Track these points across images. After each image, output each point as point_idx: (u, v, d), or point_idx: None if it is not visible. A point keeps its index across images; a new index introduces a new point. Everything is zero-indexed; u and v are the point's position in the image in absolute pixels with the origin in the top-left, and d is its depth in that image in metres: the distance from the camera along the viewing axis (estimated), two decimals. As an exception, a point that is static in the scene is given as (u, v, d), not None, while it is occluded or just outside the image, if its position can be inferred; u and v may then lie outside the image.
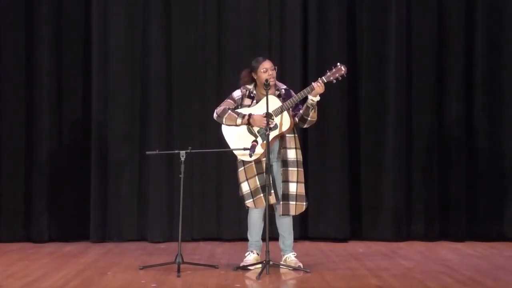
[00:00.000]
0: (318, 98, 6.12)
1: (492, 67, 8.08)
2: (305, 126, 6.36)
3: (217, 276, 5.95)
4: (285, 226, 6.33)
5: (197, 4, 8.10)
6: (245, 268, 6.19)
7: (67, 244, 7.74)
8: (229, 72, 7.95)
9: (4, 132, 7.98)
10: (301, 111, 6.23)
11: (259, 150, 6.17)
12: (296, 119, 6.27)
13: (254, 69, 6.28)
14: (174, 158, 7.59)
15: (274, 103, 6.16)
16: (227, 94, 6.51)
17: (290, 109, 6.22)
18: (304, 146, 7.69)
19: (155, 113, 7.99)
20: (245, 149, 6.14)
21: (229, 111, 6.24)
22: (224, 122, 6.28)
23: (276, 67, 6.31)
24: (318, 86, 6.08)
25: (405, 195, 8.00)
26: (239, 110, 6.28)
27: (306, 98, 6.19)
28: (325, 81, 6.15)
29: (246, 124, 6.20)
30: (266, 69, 6.22)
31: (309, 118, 6.21)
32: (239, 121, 6.21)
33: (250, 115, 6.18)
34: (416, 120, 8.10)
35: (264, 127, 6.11)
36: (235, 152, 6.29)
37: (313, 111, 6.16)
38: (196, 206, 8.01)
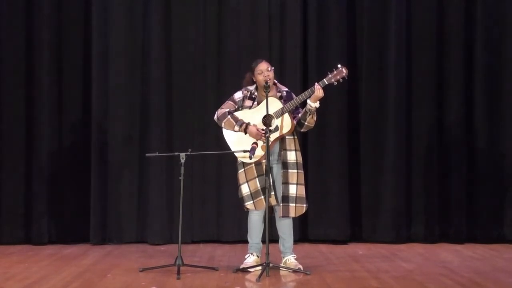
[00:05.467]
0: (317, 104, 6.11)
1: (492, 67, 8.08)
2: (302, 130, 6.36)
3: (217, 278, 5.95)
4: (285, 228, 6.33)
5: (197, 4, 8.10)
6: (245, 270, 6.19)
7: (67, 246, 7.74)
8: (229, 72, 7.95)
9: (4, 134, 7.97)
10: (299, 115, 6.22)
11: (259, 152, 6.17)
12: (295, 121, 6.26)
13: (252, 72, 6.28)
14: (174, 160, 7.58)
15: (275, 105, 6.16)
16: (227, 95, 6.52)
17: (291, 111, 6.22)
18: (304, 148, 7.68)
19: (155, 114, 7.99)
20: (245, 151, 6.13)
21: (229, 116, 6.24)
22: (223, 126, 6.29)
23: (273, 68, 6.29)
24: (318, 89, 6.07)
25: (405, 197, 8.00)
26: (240, 113, 6.28)
27: (306, 101, 6.21)
28: (326, 83, 6.16)
29: (243, 133, 6.20)
30: (261, 71, 6.21)
31: (306, 123, 6.22)
32: (236, 128, 6.22)
33: (247, 124, 6.18)
34: (416, 121, 8.10)
35: (259, 140, 6.11)
36: (235, 153, 6.28)
37: (310, 116, 6.16)
38: (196, 208, 8.01)
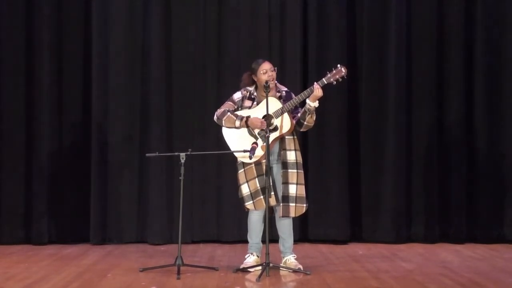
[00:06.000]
0: (316, 104, 6.11)
1: (492, 67, 8.08)
2: (301, 129, 6.35)
3: (217, 278, 5.95)
4: (285, 228, 6.33)
5: (197, 4, 8.10)
6: (245, 270, 6.20)
7: (67, 246, 7.73)
8: (229, 72, 7.94)
9: (4, 134, 7.97)
10: (299, 114, 6.22)
11: (259, 152, 6.17)
12: (294, 121, 6.26)
13: (254, 71, 6.27)
14: (174, 160, 7.58)
15: (275, 105, 6.16)
16: (227, 95, 6.51)
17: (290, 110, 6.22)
18: (304, 148, 7.68)
19: (155, 114, 7.99)
20: (245, 151, 6.13)
21: (228, 113, 6.24)
22: (223, 124, 6.28)
23: (275, 68, 6.31)
24: (317, 89, 6.08)
25: (405, 196, 8.00)
26: (239, 112, 6.28)
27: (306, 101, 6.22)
28: (325, 82, 6.16)
29: (245, 127, 6.20)
30: (265, 71, 6.22)
31: (305, 123, 6.21)
32: (237, 123, 6.21)
33: (247, 117, 6.18)
34: (416, 121, 8.10)
35: (262, 129, 6.12)
36: (235, 153, 6.28)
37: (310, 116, 6.16)
38: (196, 208, 8.01)
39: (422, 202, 8.04)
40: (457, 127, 8.04)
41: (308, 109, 6.13)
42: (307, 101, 6.12)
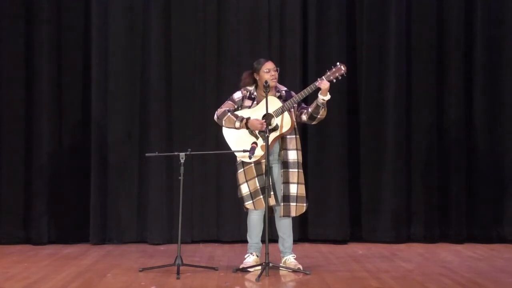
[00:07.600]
0: (328, 96, 6.13)
1: (492, 67, 8.08)
2: (314, 123, 6.37)
3: (216, 278, 5.95)
4: (285, 228, 6.33)
5: (197, 4, 8.10)
6: (244, 270, 6.20)
7: (67, 246, 7.73)
8: (229, 72, 7.95)
9: (4, 134, 7.97)
10: (309, 109, 6.23)
11: (259, 152, 6.17)
12: (304, 116, 6.27)
13: (257, 70, 6.27)
14: (174, 160, 7.59)
15: (275, 104, 6.17)
16: (227, 95, 6.52)
17: (292, 109, 6.22)
18: (304, 148, 7.66)
19: (155, 114, 7.98)
20: (244, 151, 6.13)
21: (229, 113, 6.24)
22: (223, 124, 6.28)
23: (278, 68, 6.31)
24: (321, 83, 6.09)
25: (405, 196, 8.00)
26: (239, 112, 6.28)
27: (306, 97, 6.22)
28: (325, 80, 6.16)
29: (245, 128, 6.20)
30: (268, 70, 6.22)
31: (318, 116, 6.24)
32: (237, 124, 6.21)
33: (247, 119, 6.18)
34: (416, 121, 8.10)
35: (261, 130, 6.12)
36: (235, 153, 6.28)
37: (323, 109, 6.19)
38: (196, 208, 8.01)
39: (422, 202, 8.04)
40: (457, 127, 8.04)
41: (322, 103, 6.14)
42: (319, 95, 6.13)
